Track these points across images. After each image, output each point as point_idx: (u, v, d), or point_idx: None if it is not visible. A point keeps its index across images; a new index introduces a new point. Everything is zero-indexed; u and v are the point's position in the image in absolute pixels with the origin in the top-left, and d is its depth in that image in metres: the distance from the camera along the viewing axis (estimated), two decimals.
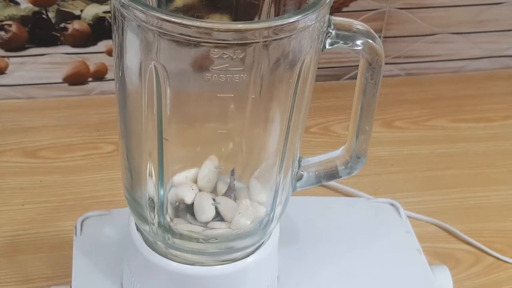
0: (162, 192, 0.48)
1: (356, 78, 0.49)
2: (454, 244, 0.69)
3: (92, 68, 0.85)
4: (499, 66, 0.96)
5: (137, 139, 0.48)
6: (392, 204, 0.63)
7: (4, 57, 0.82)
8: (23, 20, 0.80)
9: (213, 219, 0.48)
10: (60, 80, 0.85)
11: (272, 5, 0.47)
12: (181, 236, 0.48)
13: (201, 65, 0.42)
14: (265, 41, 0.41)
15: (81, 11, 0.81)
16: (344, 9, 0.87)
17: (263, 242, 0.51)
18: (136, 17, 0.41)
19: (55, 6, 0.80)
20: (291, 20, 0.41)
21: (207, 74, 0.42)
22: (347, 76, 0.92)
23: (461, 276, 0.65)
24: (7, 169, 0.74)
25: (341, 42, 0.46)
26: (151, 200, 0.48)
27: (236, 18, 0.48)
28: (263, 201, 0.49)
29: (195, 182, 0.49)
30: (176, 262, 0.49)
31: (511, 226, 0.72)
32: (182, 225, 0.48)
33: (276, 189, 0.49)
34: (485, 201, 0.74)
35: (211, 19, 0.48)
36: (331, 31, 0.46)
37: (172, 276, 0.50)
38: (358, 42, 0.47)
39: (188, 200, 0.48)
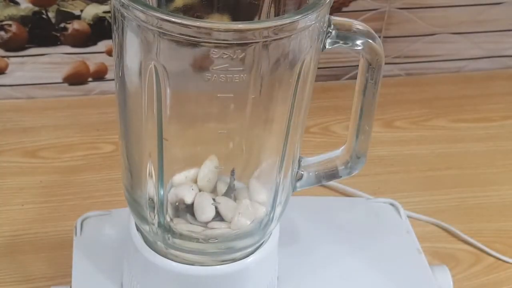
0: (162, 192, 0.48)
1: (356, 78, 0.49)
2: (454, 244, 0.69)
3: (92, 68, 0.85)
4: (499, 66, 0.96)
5: (137, 139, 0.48)
6: (392, 204, 0.63)
7: (4, 57, 0.82)
8: (23, 20, 0.80)
9: (213, 219, 0.48)
10: (60, 80, 0.85)
11: (272, 5, 0.47)
12: (181, 236, 0.48)
13: (201, 65, 0.42)
14: (265, 41, 0.41)
15: (81, 11, 0.81)
16: (344, 9, 0.87)
17: (263, 242, 0.51)
18: (136, 17, 0.41)
19: (55, 6, 0.80)
20: (291, 20, 0.41)
21: (207, 74, 0.42)
22: (347, 76, 0.92)
23: (461, 276, 0.65)
24: (7, 169, 0.74)
25: (341, 42, 0.46)
26: (151, 200, 0.48)
27: (236, 18, 0.48)
28: (263, 201, 0.49)
29: (195, 182, 0.49)
30: (176, 262, 0.49)
31: (511, 226, 0.72)
32: (182, 225, 0.48)
33: (276, 189, 0.49)
34: (485, 201, 0.74)
35: (211, 19, 0.48)
36: (331, 31, 0.46)
37: (172, 276, 0.50)
38: (358, 42, 0.47)
39: (188, 200, 0.48)
